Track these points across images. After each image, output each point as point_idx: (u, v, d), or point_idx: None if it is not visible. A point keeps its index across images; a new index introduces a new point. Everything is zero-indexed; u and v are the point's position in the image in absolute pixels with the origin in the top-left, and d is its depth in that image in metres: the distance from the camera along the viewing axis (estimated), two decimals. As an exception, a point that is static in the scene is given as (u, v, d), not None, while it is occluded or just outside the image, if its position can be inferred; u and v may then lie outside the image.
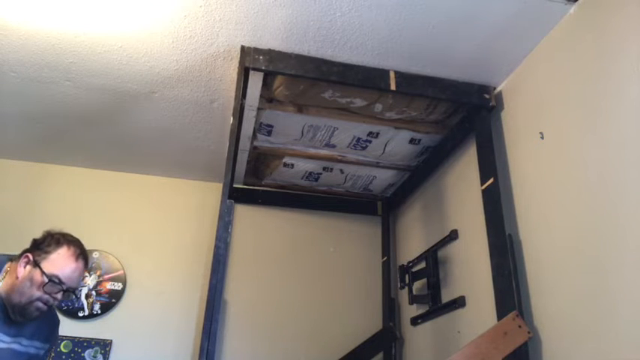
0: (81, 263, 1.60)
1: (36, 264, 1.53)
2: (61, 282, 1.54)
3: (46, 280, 1.51)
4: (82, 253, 1.62)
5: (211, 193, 3.06)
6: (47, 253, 1.55)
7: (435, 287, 2.44)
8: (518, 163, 2.00)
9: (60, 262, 1.55)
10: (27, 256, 1.54)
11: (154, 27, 1.93)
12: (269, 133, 2.47)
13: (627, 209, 1.44)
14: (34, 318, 1.55)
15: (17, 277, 1.51)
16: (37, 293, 1.51)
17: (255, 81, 2.02)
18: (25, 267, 1.53)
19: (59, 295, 1.55)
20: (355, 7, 1.81)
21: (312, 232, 3.13)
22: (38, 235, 2.72)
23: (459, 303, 2.23)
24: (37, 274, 1.51)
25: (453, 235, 2.37)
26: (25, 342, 1.58)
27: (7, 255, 1.64)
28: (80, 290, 2.72)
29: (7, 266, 1.57)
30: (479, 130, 2.16)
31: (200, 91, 2.29)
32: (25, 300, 1.50)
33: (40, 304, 1.52)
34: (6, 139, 2.76)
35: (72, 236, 1.64)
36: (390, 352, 2.74)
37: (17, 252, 2.76)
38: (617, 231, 1.47)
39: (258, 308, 2.86)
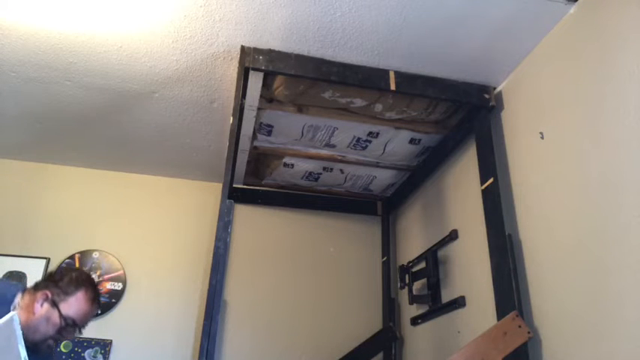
0: (95, 307, 1.64)
1: (54, 304, 1.54)
2: (75, 324, 1.57)
3: (64, 323, 1.54)
4: (97, 297, 1.66)
5: (211, 193, 3.07)
6: (66, 294, 1.57)
7: (435, 287, 2.44)
8: (518, 163, 2.00)
9: (77, 306, 1.58)
10: (45, 294, 1.55)
11: (154, 27, 1.93)
12: (269, 133, 2.47)
13: (627, 209, 1.44)
14: (44, 354, 1.57)
15: (34, 314, 1.52)
16: (52, 332, 1.53)
17: (255, 81, 2.02)
18: (42, 304, 1.54)
19: (70, 336, 1.59)
20: (355, 7, 1.81)
21: (312, 232, 3.13)
22: (38, 234, 2.71)
23: (459, 303, 2.23)
24: (54, 315, 1.53)
25: (453, 235, 2.37)
26: None
27: (14, 284, 1.64)
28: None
29: (18, 299, 1.57)
30: (479, 130, 2.16)
31: (200, 91, 2.29)
32: (38, 337, 1.52)
33: (51, 342, 1.55)
34: (6, 139, 2.76)
35: (87, 275, 1.68)
36: (390, 352, 2.74)
37: (16, 252, 2.78)
38: (617, 231, 1.47)
39: (258, 308, 2.86)
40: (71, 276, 1.61)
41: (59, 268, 1.65)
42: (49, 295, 1.55)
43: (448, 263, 2.43)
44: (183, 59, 2.09)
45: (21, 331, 1.35)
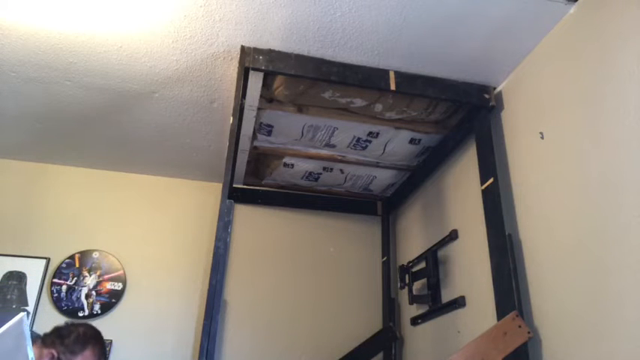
0: None
1: None
2: None
3: None
4: (104, 354, 1.66)
5: (211, 193, 3.07)
6: (73, 354, 1.58)
7: (435, 287, 2.44)
8: (518, 163, 2.00)
9: None
10: (52, 354, 1.56)
11: (154, 27, 1.93)
12: (269, 133, 2.47)
13: (627, 209, 1.44)
14: None
15: None
16: None
17: (255, 81, 2.02)
18: None
19: None
20: (355, 7, 1.81)
21: (312, 232, 3.13)
22: (38, 234, 2.69)
23: (459, 303, 2.23)
24: None
25: (453, 235, 2.37)
26: None
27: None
28: (80, 291, 2.73)
29: None
30: (479, 130, 2.16)
31: (200, 91, 2.29)
32: None
33: None
34: (6, 139, 2.76)
35: (94, 331, 1.67)
36: (390, 352, 2.74)
37: (16, 252, 2.78)
38: (617, 231, 1.47)
39: (258, 308, 2.86)
40: (78, 332, 1.61)
41: (68, 324, 1.65)
42: (55, 354, 1.55)
43: (448, 263, 2.43)
44: (183, 59, 2.09)
45: (29, 332, 1.37)
